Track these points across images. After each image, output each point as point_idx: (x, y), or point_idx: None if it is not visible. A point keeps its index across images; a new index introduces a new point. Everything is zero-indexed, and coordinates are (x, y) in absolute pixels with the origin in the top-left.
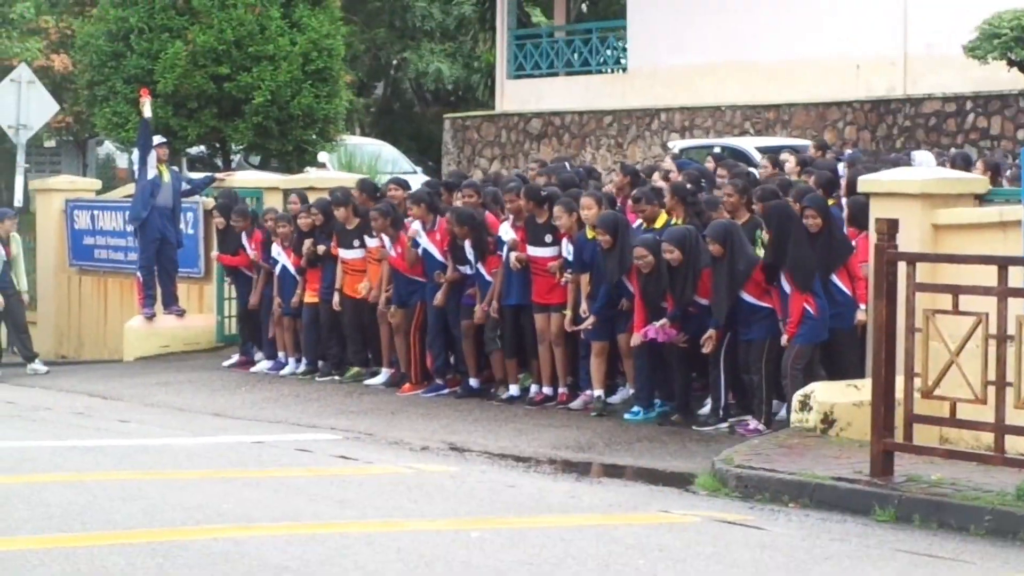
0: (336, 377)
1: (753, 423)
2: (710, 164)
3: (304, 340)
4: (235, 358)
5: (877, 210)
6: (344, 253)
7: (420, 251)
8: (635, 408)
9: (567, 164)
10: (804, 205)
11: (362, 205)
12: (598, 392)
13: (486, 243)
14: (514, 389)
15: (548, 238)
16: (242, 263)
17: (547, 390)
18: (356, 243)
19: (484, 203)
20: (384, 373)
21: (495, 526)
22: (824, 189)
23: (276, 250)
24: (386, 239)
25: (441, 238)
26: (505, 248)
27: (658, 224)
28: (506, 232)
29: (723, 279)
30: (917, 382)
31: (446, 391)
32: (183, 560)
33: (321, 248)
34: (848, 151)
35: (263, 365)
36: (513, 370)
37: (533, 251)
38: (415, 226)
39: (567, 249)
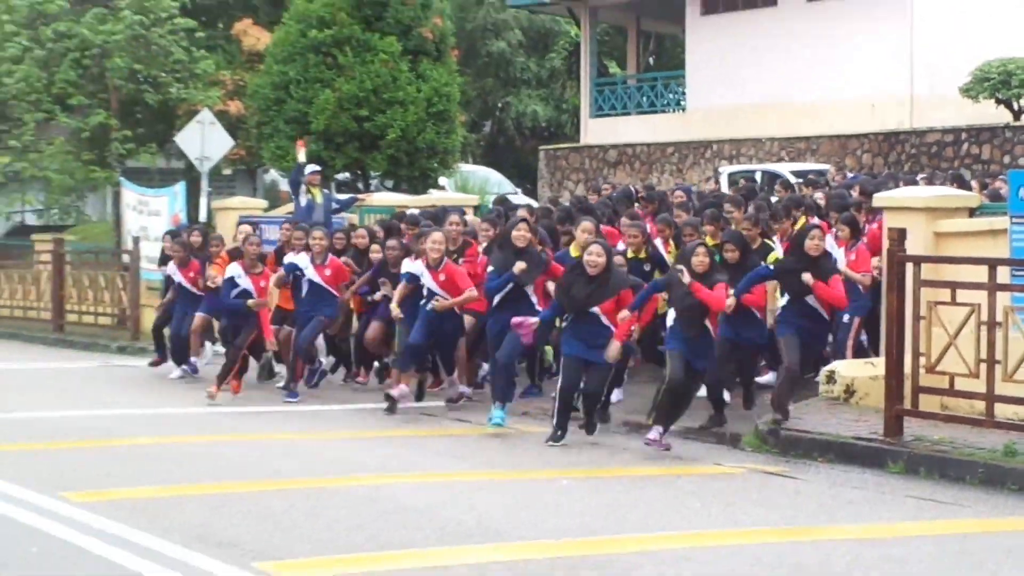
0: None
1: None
2: (711, 185)
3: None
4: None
5: (890, 221)
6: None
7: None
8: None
9: (630, 187)
10: (723, 239)
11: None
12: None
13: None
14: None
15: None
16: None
17: (465, 389)
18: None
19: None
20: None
21: (581, 476)
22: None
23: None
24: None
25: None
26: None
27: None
28: (410, 266)
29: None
30: (922, 360)
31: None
32: (332, 502)
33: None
34: (850, 175)
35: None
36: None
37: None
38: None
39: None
